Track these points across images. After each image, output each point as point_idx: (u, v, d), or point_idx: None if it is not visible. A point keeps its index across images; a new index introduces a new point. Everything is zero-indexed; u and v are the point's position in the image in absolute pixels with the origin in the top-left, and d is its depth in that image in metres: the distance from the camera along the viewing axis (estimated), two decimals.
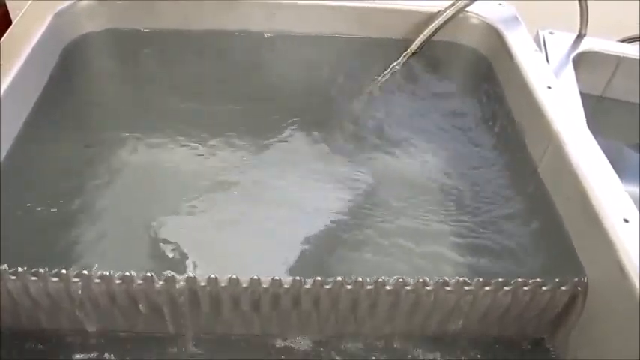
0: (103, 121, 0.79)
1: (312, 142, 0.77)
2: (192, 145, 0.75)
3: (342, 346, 0.62)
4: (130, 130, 0.76)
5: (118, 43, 0.93)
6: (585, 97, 0.92)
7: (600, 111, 1.09)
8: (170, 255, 0.60)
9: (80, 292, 0.56)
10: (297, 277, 0.57)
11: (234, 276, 0.56)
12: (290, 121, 0.80)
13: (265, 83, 0.88)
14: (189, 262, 0.59)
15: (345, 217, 0.66)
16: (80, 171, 0.69)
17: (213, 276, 0.56)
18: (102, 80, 0.89)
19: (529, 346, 0.65)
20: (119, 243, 0.62)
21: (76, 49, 0.90)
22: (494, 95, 0.87)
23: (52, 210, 0.63)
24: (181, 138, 0.76)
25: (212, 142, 0.75)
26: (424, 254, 0.63)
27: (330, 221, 0.65)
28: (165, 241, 0.62)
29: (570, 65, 0.99)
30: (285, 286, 0.57)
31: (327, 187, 0.70)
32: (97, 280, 0.56)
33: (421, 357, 0.62)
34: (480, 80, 0.91)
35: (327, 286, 0.57)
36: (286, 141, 0.77)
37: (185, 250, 0.61)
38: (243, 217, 0.66)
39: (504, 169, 0.75)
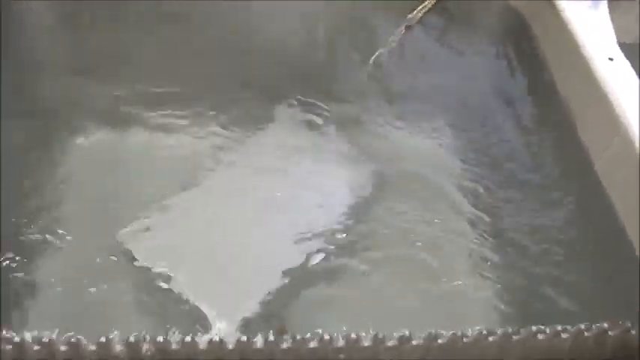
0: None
1: (316, 113, 0.68)
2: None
3: None
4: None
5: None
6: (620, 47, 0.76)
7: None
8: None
9: None
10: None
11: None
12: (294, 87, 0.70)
13: (262, 47, 0.75)
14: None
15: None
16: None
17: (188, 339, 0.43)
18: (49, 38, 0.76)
19: None
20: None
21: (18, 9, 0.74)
22: (531, 63, 0.71)
23: None
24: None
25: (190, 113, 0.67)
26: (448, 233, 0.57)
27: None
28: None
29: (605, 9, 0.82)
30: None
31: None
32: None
33: None
34: (514, 43, 0.74)
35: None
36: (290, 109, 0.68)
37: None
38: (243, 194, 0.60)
39: (549, 161, 0.61)
